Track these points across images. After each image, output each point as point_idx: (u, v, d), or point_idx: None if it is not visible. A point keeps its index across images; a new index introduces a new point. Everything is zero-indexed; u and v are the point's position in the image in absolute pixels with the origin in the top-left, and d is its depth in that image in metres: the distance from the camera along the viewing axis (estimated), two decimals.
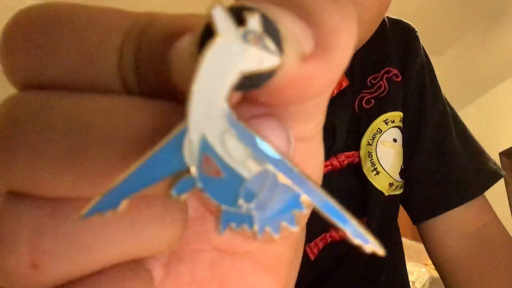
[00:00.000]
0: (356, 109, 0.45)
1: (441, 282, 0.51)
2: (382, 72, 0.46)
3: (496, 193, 3.70)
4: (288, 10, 0.09)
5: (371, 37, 0.44)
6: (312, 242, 0.45)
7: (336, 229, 0.09)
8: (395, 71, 0.46)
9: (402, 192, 0.48)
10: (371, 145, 0.43)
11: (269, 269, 0.13)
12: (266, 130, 0.10)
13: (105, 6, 0.12)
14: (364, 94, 0.45)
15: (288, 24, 0.09)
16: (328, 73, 0.09)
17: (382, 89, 0.45)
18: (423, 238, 0.50)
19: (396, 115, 0.44)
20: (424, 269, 2.01)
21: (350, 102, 0.45)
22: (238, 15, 0.08)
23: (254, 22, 0.08)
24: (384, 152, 0.42)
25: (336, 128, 0.43)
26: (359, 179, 0.44)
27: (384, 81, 0.45)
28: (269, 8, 0.09)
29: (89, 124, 0.10)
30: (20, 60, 0.11)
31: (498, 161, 3.48)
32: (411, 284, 2.24)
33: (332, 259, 0.46)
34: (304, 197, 0.09)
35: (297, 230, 0.10)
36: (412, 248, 2.09)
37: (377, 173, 0.43)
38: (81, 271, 0.10)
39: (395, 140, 0.43)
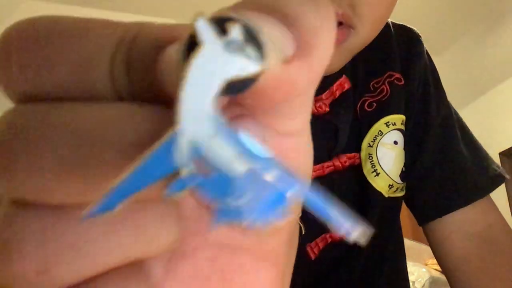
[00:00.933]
0: (358, 112, 0.45)
1: (441, 282, 0.52)
2: (385, 76, 0.46)
3: (496, 193, 3.70)
4: (268, 17, 0.09)
5: (375, 41, 0.45)
6: (313, 242, 0.45)
7: (325, 222, 0.10)
8: (397, 75, 0.46)
9: (407, 194, 0.48)
10: (371, 147, 0.43)
11: (267, 261, 0.13)
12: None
13: (97, 17, 0.12)
14: (366, 98, 0.45)
15: (268, 30, 0.09)
16: (310, 73, 0.10)
17: (384, 92, 0.45)
18: (429, 239, 0.50)
19: (397, 118, 0.44)
20: (424, 269, 2.01)
21: (353, 104, 0.45)
22: (221, 25, 0.09)
23: (235, 31, 0.09)
24: (385, 154, 0.43)
25: (339, 129, 0.44)
26: (359, 180, 0.44)
27: (387, 85, 0.45)
28: (250, 16, 0.09)
29: (92, 131, 0.10)
30: (16, 73, 0.11)
31: (498, 161, 3.48)
32: (411, 284, 2.24)
33: (333, 259, 0.46)
34: (290, 192, 0.10)
35: (284, 224, 0.10)
36: (412, 248, 2.09)
37: (377, 174, 0.43)
38: (86, 274, 0.10)
39: (395, 143, 0.43)
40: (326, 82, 0.44)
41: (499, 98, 3.55)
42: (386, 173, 0.43)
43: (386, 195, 0.44)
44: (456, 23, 3.28)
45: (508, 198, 3.37)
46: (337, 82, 0.45)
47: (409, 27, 0.51)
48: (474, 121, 3.98)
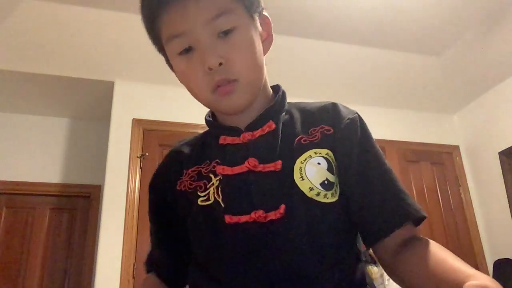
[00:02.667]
0: (295, 143, 0.66)
1: None
2: (319, 127, 0.68)
3: (496, 193, 3.68)
4: None
5: (317, 111, 0.70)
6: (234, 215, 0.61)
7: None
8: (327, 127, 0.67)
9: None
10: (303, 163, 0.63)
11: None
12: None
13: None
14: (303, 137, 0.67)
15: None
16: None
17: (316, 137, 0.66)
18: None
19: (323, 150, 0.65)
20: None
21: (274, 135, 0.67)
22: None
23: None
24: (310, 168, 0.63)
25: (250, 146, 0.66)
26: (283, 181, 0.62)
27: (319, 132, 0.67)
28: None
29: None
30: None
31: (498, 161, 3.48)
32: None
33: (252, 236, 0.61)
34: None
35: None
36: None
37: (302, 179, 0.62)
38: None
39: (319, 163, 0.64)
40: (258, 125, 0.67)
41: (498, 98, 3.55)
42: (308, 179, 0.62)
43: (308, 195, 0.61)
44: (456, 23, 3.28)
45: (508, 198, 3.37)
46: (266, 125, 0.67)
47: (351, 110, 0.72)
48: (474, 121, 3.98)
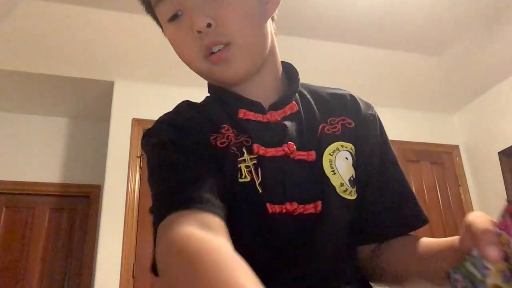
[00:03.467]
0: (319, 132, 0.62)
1: None
2: (339, 118, 0.64)
3: (496, 193, 3.68)
4: None
5: (332, 98, 0.66)
6: (273, 204, 0.55)
7: None
8: (349, 120, 0.64)
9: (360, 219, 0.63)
10: (332, 155, 0.60)
11: None
12: None
13: None
14: (326, 126, 0.63)
15: None
16: None
17: (337, 129, 0.63)
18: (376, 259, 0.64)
19: (348, 145, 0.62)
20: None
21: (299, 118, 0.62)
22: None
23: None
24: (340, 162, 0.60)
25: (287, 128, 0.60)
26: (315, 174, 0.59)
27: (339, 124, 0.63)
28: None
29: None
30: None
31: (497, 161, 3.48)
32: None
33: (287, 227, 0.56)
34: None
35: None
36: None
37: (334, 173, 0.59)
38: None
39: (346, 158, 0.61)
40: (281, 105, 0.62)
41: (498, 98, 3.55)
42: (340, 174, 0.59)
43: (338, 191, 0.58)
44: (456, 23, 3.28)
45: (508, 199, 3.37)
46: (288, 106, 0.62)
47: (369, 104, 0.69)
48: (474, 121, 3.98)
